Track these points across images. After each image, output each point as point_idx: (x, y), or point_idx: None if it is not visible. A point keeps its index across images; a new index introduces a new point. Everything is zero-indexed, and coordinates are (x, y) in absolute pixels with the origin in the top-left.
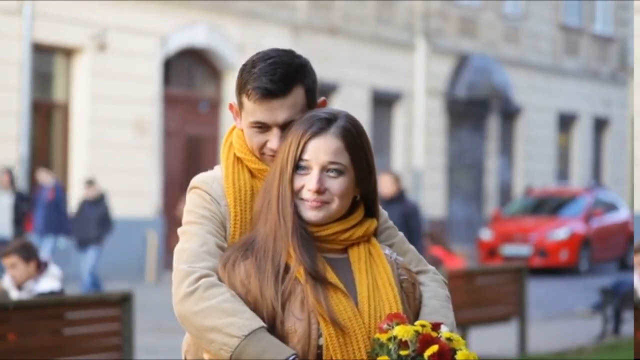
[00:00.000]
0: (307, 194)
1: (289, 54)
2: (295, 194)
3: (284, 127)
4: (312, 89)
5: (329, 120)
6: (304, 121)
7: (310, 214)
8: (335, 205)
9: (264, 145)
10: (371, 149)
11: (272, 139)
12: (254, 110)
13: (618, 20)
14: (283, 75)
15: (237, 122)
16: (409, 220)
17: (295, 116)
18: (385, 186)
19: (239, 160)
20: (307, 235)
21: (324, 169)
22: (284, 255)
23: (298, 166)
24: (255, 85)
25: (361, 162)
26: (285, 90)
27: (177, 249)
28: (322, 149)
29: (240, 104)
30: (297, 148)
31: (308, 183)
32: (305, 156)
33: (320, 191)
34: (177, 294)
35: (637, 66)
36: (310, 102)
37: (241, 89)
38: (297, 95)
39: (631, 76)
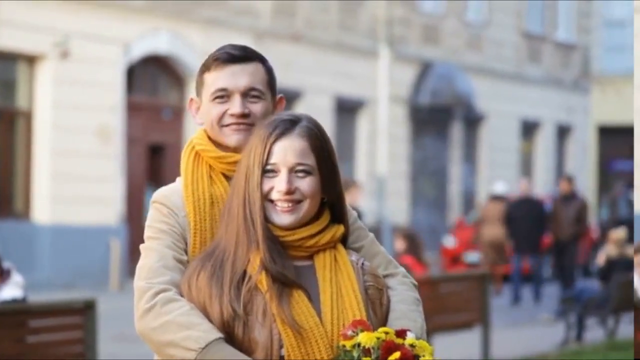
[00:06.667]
0: (277, 195)
1: None
2: (264, 196)
3: (245, 95)
4: (272, 75)
5: (293, 122)
6: (267, 124)
7: (281, 217)
8: (306, 205)
9: (224, 114)
10: (334, 152)
11: (234, 104)
12: (216, 78)
13: (581, 28)
14: (244, 47)
15: (197, 119)
16: None
17: (255, 84)
18: (358, 198)
19: (199, 161)
20: (275, 240)
21: (291, 171)
22: (245, 262)
23: (265, 170)
24: (217, 54)
25: (326, 163)
26: (247, 57)
27: (137, 266)
28: (288, 151)
29: (201, 84)
30: (264, 151)
31: (277, 185)
32: (272, 159)
33: (290, 192)
34: (136, 311)
35: (637, 67)
36: (272, 85)
37: (203, 70)
38: (258, 67)
39: (594, 83)
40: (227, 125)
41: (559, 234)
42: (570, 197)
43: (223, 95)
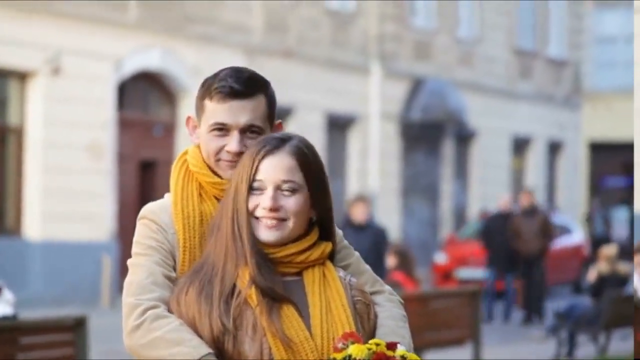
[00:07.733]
0: (262, 212)
1: (253, 70)
2: (250, 213)
3: (244, 131)
4: (273, 105)
5: (283, 140)
6: (258, 142)
7: (266, 233)
8: (290, 223)
9: (220, 149)
10: (325, 171)
11: (231, 142)
12: (216, 110)
13: (572, 44)
14: (248, 79)
15: (193, 138)
16: (380, 246)
17: (255, 121)
18: (361, 212)
19: (189, 178)
20: (264, 255)
21: (278, 188)
22: (234, 277)
23: (252, 186)
24: (220, 84)
25: (316, 181)
26: (249, 93)
27: (125, 282)
28: (275, 168)
29: (202, 109)
30: (251, 168)
31: (262, 202)
32: (259, 176)
33: (274, 209)
34: (125, 327)
35: (637, 68)
36: (271, 117)
37: (204, 94)
38: (260, 102)
39: (585, 99)
40: (223, 160)
41: (524, 249)
42: (531, 212)
43: (222, 128)
